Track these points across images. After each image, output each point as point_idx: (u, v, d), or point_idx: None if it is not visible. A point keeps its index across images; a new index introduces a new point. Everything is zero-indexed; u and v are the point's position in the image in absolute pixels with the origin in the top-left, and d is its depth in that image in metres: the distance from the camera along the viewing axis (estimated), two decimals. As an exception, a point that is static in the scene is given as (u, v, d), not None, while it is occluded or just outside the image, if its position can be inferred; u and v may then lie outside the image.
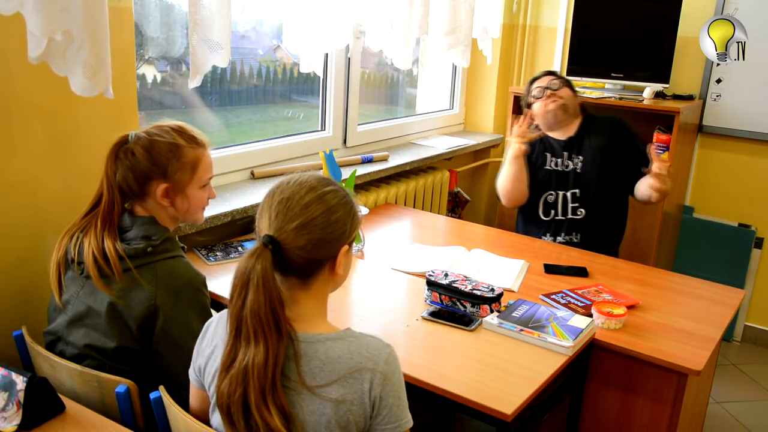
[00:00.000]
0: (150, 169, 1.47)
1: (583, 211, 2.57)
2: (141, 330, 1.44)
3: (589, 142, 2.59)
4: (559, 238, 2.59)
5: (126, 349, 1.44)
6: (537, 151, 2.64)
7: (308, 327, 1.17)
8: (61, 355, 1.48)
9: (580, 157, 2.58)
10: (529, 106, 2.68)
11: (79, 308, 1.47)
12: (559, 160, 2.61)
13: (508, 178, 2.59)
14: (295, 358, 1.12)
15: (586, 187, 2.57)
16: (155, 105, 2.37)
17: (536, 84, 2.66)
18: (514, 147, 2.55)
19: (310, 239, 1.14)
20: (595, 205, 2.57)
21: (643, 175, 2.46)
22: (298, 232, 1.14)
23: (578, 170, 2.58)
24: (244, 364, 1.08)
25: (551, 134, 2.65)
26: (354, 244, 1.12)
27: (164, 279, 1.45)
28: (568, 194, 2.58)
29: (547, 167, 2.62)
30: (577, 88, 2.73)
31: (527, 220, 2.68)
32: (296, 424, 1.10)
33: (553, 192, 2.61)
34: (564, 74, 3.65)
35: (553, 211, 2.60)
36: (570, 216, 2.58)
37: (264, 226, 1.17)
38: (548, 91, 2.60)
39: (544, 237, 2.61)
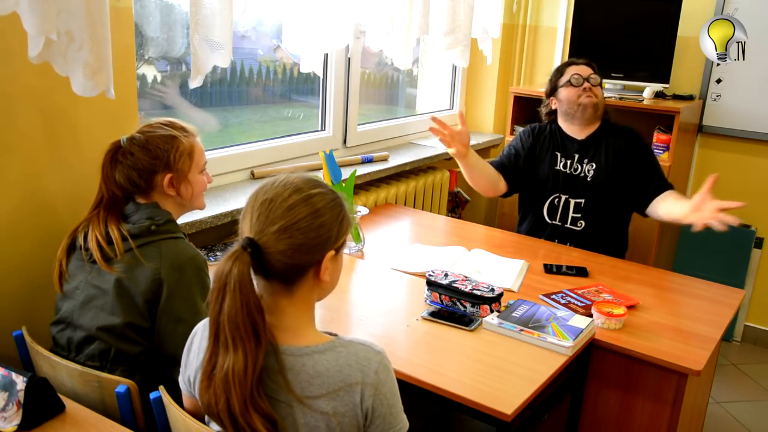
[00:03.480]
0: (152, 163, 1.54)
1: (582, 223, 2.48)
2: (148, 305, 1.48)
3: (605, 150, 2.47)
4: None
5: (133, 326, 1.48)
6: (543, 146, 2.53)
7: (294, 338, 1.13)
8: (69, 342, 1.51)
9: (593, 164, 2.46)
10: (554, 90, 2.54)
11: (89, 292, 1.51)
12: (569, 162, 2.49)
13: (464, 173, 2.45)
14: (282, 372, 1.09)
15: (592, 198, 2.46)
16: (155, 105, 2.36)
17: (574, 70, 2.50)
18: (449, 151, 2.33)
19: (290, 244, 1.08)
20: (597, 220, 2.47)
21: (652, 192, 2.38)
22: (279, 236, 1.08)
23: (589, 179, 2.46)
24: (224, 373, 1.05)
25: (566, 129, 2.53)
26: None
27: (168, 255, 1.50)
28: (572, 202, 2.48)
29: (557, 168, 2.50)
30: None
31: (530, 220, 2.60)
32: None
33: (559, 195, 2.50)
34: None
35: (555, 215, 2.53)
36: (568, 225, 2.50)
37: (246, 228, 1.11)
38: (587, 84, 2.46)
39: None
